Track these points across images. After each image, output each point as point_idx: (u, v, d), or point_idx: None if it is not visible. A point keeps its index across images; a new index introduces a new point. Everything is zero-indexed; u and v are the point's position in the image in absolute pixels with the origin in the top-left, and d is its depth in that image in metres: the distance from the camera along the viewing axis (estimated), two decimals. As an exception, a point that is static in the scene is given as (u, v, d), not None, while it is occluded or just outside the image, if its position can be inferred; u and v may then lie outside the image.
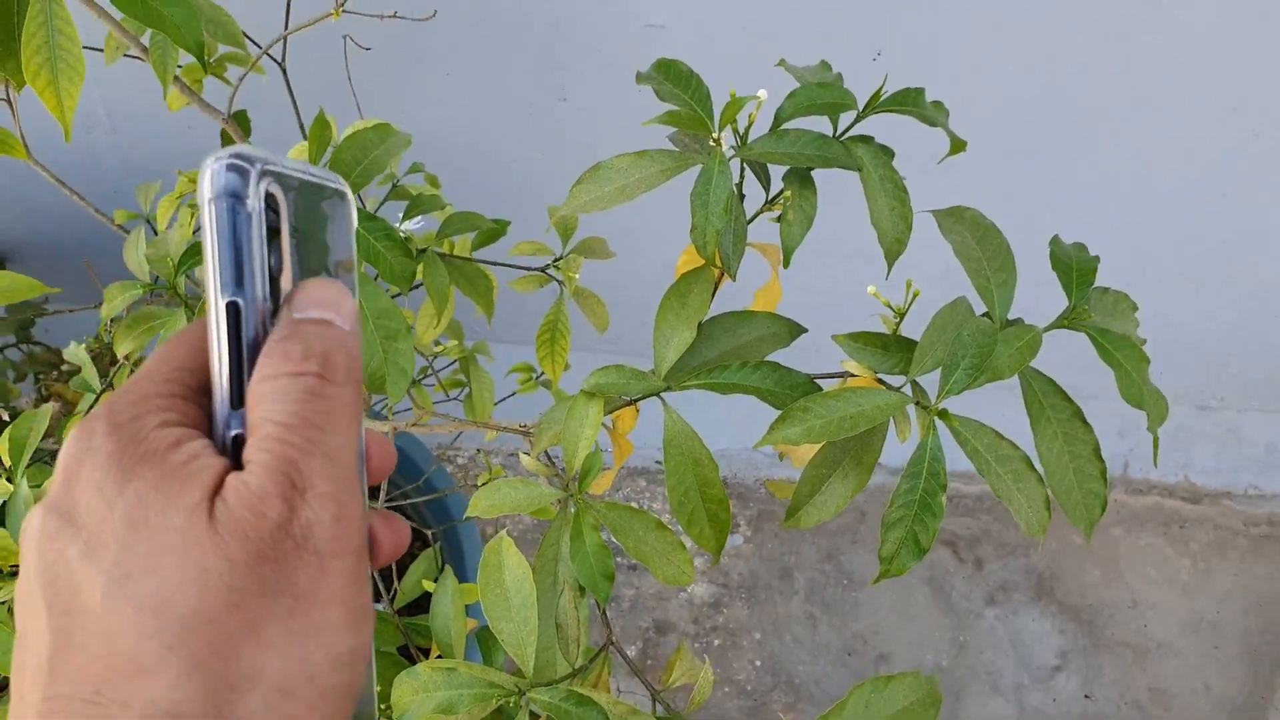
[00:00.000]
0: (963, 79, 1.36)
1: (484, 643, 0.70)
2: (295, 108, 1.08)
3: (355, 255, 0.36)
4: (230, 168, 0.29)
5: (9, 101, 0.98)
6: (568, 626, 0.60)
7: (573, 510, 0.68)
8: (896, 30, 1.30)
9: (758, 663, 1.80)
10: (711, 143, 0.67)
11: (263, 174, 0.29)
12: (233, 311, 0.29)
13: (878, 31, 1.30)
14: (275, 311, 0.30)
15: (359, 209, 0.77)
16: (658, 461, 2.00)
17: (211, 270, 0.29)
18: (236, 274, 0.29)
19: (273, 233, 0.30)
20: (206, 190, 0.28)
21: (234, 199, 0.28)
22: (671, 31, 1.30)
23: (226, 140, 1.14)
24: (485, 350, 1.21)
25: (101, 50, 1.00)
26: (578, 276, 0.88)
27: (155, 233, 1.12)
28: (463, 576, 1.34)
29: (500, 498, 0.69)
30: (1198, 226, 1.62)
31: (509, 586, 0.60)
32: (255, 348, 0.29)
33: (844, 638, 1.84)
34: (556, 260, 0.90)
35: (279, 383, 0.29)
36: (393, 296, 0.78)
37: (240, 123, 1.09)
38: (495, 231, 1.04)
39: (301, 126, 1.10)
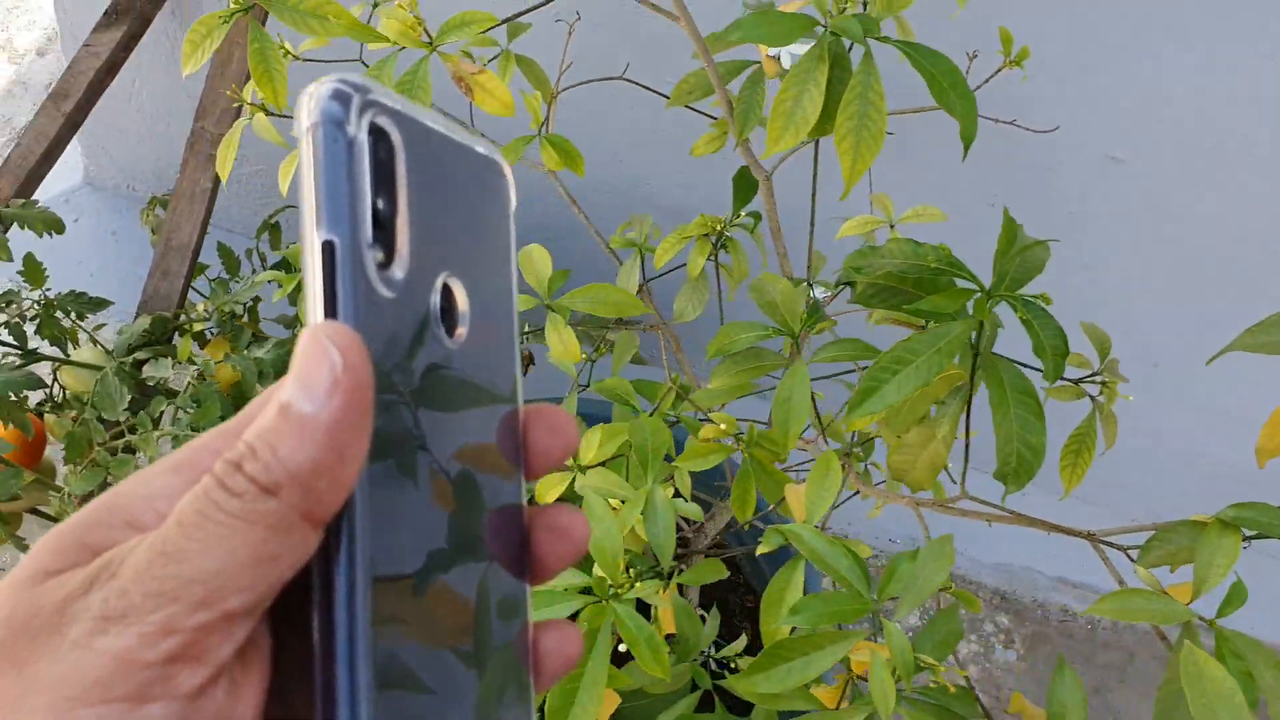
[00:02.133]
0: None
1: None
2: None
3: (512, 239, 0.32)
4: (333, 94, 0.26)
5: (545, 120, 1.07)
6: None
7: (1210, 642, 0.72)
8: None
9: (1014, 782, 1.79)
10: None
11: (368, 104, 0.26)
12: (328, 252, 0.26)
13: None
14: (385, 264, 0.27)
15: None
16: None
17: (307, 206, 0.26)
18: (334, 210, 0.26)
19: (386, 174, 0.27)
20: (305, 118, 0.26)
21: (335, 126, 0.26)
22: (1130, 166, 1.34)
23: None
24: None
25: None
26: (1118, 396, 0.93)
27: (647, 266, 1.19)
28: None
29: (1132, 606, 0.73)
30: None
31: (1213, 698, 0.63)
32: (351, 295, 0.26)
33: (1107, 777, 1.83)
34: (1094, 374, 0.95)
35: None
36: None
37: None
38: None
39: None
